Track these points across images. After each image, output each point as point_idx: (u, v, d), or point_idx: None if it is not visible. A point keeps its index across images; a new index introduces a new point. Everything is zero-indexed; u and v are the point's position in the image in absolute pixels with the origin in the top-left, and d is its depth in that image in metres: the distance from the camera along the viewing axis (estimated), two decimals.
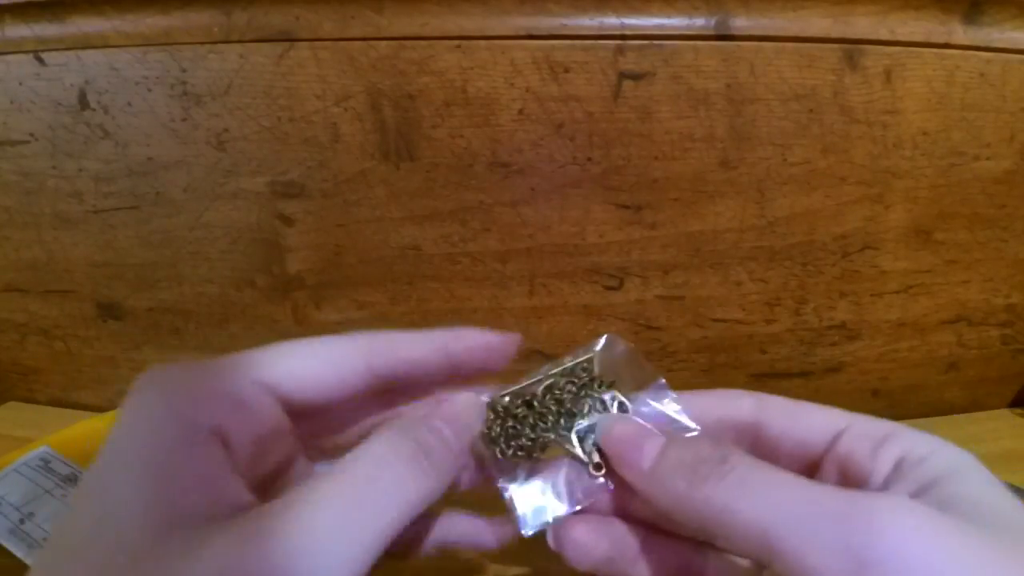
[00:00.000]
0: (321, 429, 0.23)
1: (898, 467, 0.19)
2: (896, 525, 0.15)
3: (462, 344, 0.23)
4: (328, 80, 0.34)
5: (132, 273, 0.40)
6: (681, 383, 0.41)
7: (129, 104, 0.35)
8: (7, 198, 0.39)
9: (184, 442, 0.17)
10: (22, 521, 0.31)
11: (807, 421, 0.22)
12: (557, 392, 0.23)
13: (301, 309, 0.40)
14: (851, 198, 0.37)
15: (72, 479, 0.34)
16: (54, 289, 0.41)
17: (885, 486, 0.19)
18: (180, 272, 0.39)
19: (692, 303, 0.39)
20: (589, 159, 0.36)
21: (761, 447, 0.22)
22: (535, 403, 0.23)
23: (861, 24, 0.34)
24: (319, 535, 0.15)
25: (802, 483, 0.17)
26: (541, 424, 0.23)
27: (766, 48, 0.34)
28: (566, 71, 0.34)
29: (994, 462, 0.36)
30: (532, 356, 0.40)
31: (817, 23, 0.33)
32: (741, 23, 0.33)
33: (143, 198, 0.38)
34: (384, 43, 0.33)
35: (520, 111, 0.34)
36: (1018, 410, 0.45)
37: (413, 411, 0.23)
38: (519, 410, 0.23)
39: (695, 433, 0.22)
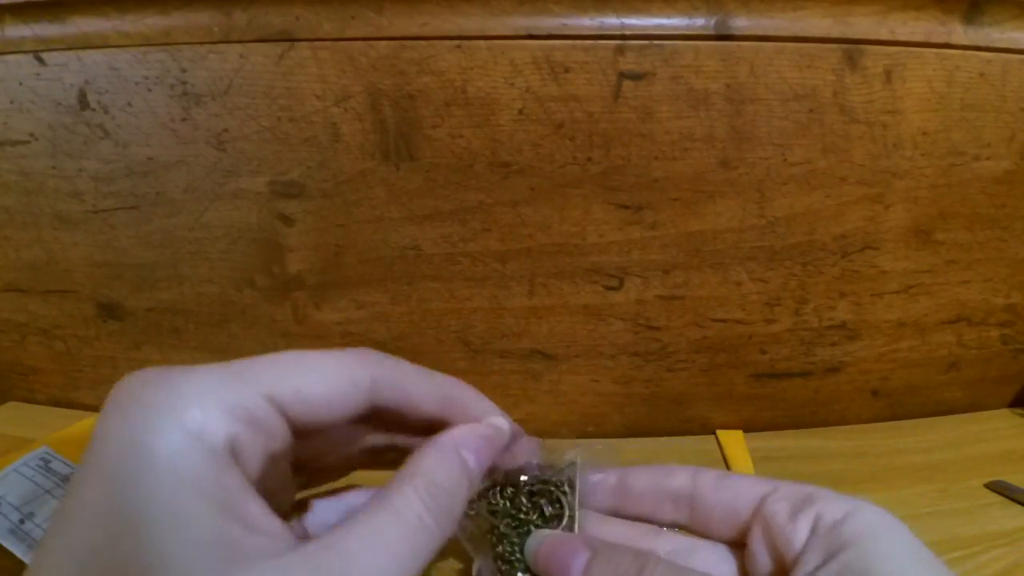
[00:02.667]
0: (307, 450, 0.21)
1: (814, 530, 0.20)
2: None
3: (462, 409, 0.22)
4: (328, 80, 0.34)
5: (132, 273, 0.40)
6: (681, 383, 0.41)
7: (129, 104, 0.35)
8: (7, 198, 0.39)
9: (208, 464, 0.15)
10: (22, 521, 0.31)
11: (734, 490, 0.23)
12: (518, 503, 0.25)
13: (301, 309, 0.40)
14: (851, 198, 0.37)
15: None
16: (54, 289, 0.41)
17: (803, 550, 0.20)
18: (180, 272, 0.39)
19: (692, 303, 0.39)
20: (589, 159, 0.36)
21: (697, 513, 0.24)
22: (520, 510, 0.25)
23: (861, 24, 0.34)
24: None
25: None
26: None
27: (766, 48, 0.34)
28: (566, 71, 0.34)
29: (994, 462, 0.36)
30: (532, 356, 0.40)
31: (817, 23, 0.33)
32: (741, 23, 0.33)
33: (143, 198, 0.38)
34: (384, 43, 0.33)
35: (520, 111, 0.34)
36: (1018, 410, 0.45)
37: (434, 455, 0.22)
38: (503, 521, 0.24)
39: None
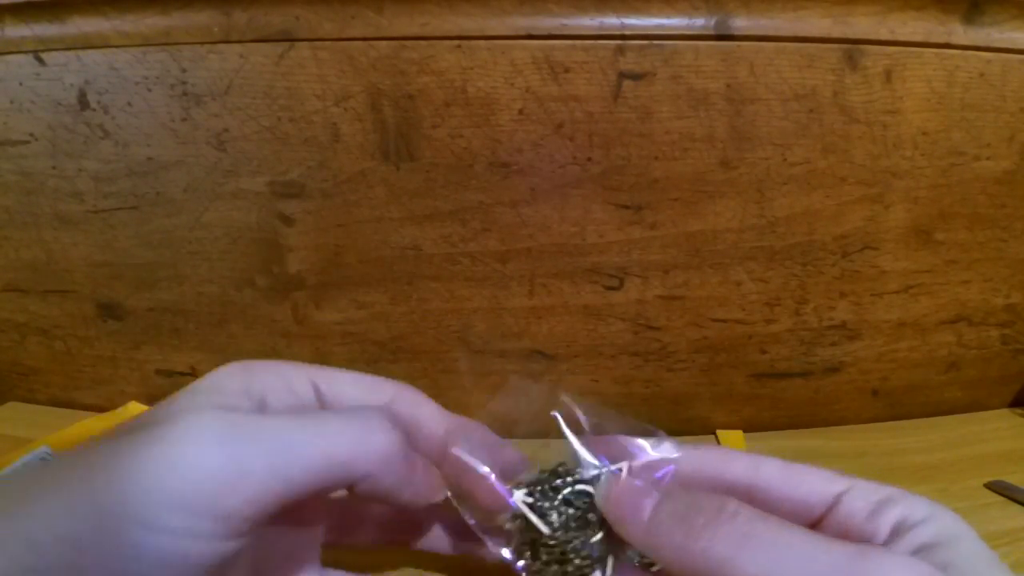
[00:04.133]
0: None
1: (896, 530, 0.19)
2: None
3: (403, 401, 0.23)
4: (328, 80, 0.34)
5: (132, 273, 0.40)
6: (681, 383, 0.41)
7: (129, 104, 0.35)
8: (7, 198, 0.39)
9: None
10: None
11: (806, 485, 0.21)
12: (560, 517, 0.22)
13: (301, 309, 0.40)
14: (851, 198, 0.37)
15: None
16: (54, 289, 0.41)
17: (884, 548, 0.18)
18: (180, 272, 0.39)
19: (692, 303, 0.39)
20: (589, 159, 0.36)
21: (758, 506, 0.21)
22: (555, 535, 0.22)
23: (861, 24, 0.34)
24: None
25: (805, 537, 0.17)
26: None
27: (766, 48, 0.34)
28: (566, 71, 0.34)
29: (994, 462, 0.36)
30: (532, 356, 0.40)
31: (817, 23, 0.33)
32: (741, 23, 0.33)
33: (143, 198, 0.38)
34: (384, 43, 0.33)
35: (520, 111, 0.34)
36: (1018, 410, 0.45)
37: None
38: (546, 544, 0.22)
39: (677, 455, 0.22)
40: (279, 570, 0.22)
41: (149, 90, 0.35)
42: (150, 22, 0.34)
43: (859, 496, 0.20)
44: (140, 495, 0.16)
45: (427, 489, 0.22)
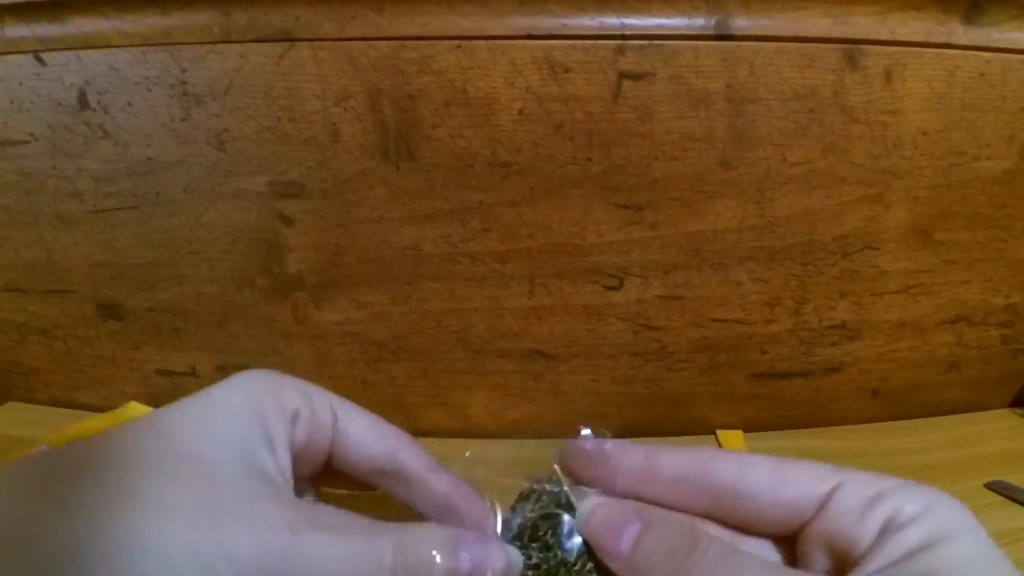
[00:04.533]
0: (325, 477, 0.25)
1: (884, 531, 0.18)
2: None
3: (408, 456, 0.24)
4: (328, 80, 0.34)
5: (132, 273, 0.40)
6: (681, 383, 0.41)
7: (129, 104, 0.35)
8: (7, 198, 0.39)
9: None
10: None
11: (795, 487, 0.20)
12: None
13: (301, 309, 0.40)
14: (851, 198, 0.37)
15: None
16: (54, 289, 0.41)
17: (868, 550, 0.18)
18: (180, 272, 0.39)
19: (692, 303, 0.39)
20: (589, 159, 0.36)
21: (744, 510, 0.20)
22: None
23: (861, 24, 0.34)
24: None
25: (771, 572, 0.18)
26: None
27: (766, 48, 0.34)
28: (566, 71, 0.34)
29: (994, 462, 0.36)
30: (532, 356, 0.40)
31: (817, 23, 0.33)
32: (741, 23, 0.33)
33: (143, 198, 0.38)
34: (384, 43, 0.33)
35: (520, 111, 0.34)
36: (1018, 410, 0.45)
37: None
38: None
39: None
40: None
41: (149, 90, 0.35)
42: (150, 22, 0.34)
43: (850, 493, 0.19)
44: (215, 552, 0.17)
45: None
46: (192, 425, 0.19)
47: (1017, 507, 0.34)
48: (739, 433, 0.42)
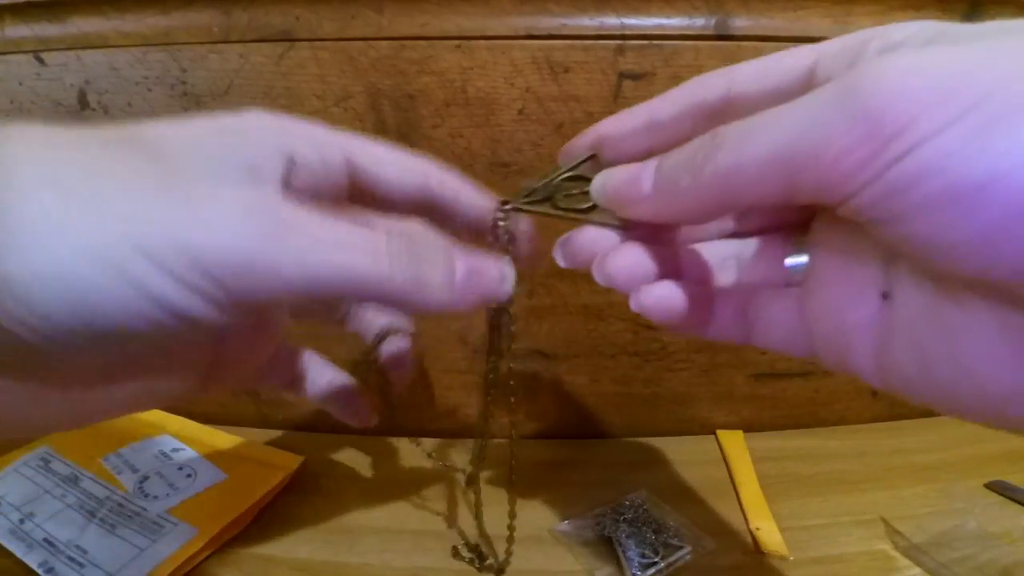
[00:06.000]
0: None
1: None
2: (893, 66, 0.14)
3: (439, 181, 0.23)
4: (328, 80, 0.34)
5: None
6: (681, 383, 0.41)
7: (129, 104, 0.35)
8: None
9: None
10: (22, 521, 0.31)
11: (779, 72, 0.19)
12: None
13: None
14: None
15: (72, 479, 0.34)
16: None
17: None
18: None
19: None
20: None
21: (740, 110, 0.20)
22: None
23: (861, 24, 0.33)
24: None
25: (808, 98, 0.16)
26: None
27: (766, 48, 0.33)
28: (566, 71, 0.34)
29: (994, 462, 0.36)
30: (532, 356, 0.40)
31: (817, 23, 0.33)
32: (741, 23, 0.33)
33: None
34: (384, 43, 0.33)
35: (520, 111, 0.34)
36: None
37: None
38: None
39: None
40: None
41: (149, 90, 0.35)
42: (150, 22, 0.34)
43: (833, 53, 0.18)
44: (169, 242, 0.15)
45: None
46: (176, 130, 0.19)
47: (1017, 507, 0.34)
48: (739, 433, 0.42)
